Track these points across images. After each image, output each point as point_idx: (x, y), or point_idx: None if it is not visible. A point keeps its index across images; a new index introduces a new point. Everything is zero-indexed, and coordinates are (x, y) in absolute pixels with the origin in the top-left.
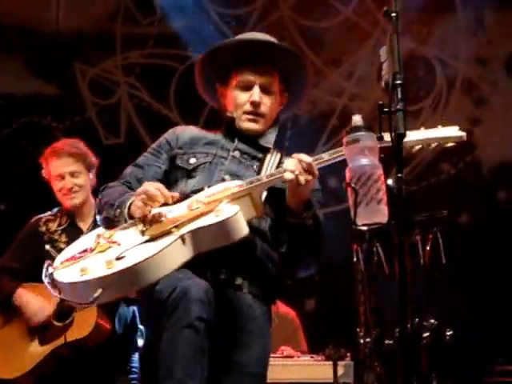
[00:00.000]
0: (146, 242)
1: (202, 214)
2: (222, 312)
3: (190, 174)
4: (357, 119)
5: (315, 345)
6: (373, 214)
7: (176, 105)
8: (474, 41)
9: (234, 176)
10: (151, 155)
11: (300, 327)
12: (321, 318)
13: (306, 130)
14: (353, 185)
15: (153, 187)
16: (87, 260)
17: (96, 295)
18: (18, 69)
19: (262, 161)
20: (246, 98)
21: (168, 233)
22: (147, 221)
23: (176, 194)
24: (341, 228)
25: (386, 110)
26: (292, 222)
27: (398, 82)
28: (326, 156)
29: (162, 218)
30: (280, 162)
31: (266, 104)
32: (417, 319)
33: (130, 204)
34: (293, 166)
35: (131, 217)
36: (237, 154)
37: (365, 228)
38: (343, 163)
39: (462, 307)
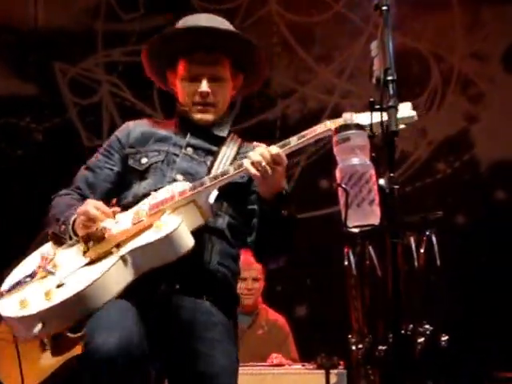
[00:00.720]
0: (87, 264)
1: (143, 229)
2: (180, 324)
3: (142, 175)
4: (347, 117)
5: (307, 352)
6: (364, 215)
7: (160, 104)
8: (470, 36)
9: (187, 175)
10: (103, 156)
11: (290, 334)
12: (312, 324)
13: (296, 129)
14: (343, 185)
15: (93, 207)
16: (28, 289)
17: (36, 330)
18: None
19: (215, 155)
20: (195, 90)
21: (109, 253)
22: (90, 240)
23: (117, 209)
24: (332, 231)
25: (377, 106)
26: (266, 209)
27: (390, 77)
28: (293, 141)
29: (105, 235)
30: (238, 153)
31: (217, 92)
32: (411, 325)
33: (74, 220)
34: (257, 157)
35: (76, 233)
36: (189, 150)
37: (356, 230)
38: (334, 163)
39: (459, 309)
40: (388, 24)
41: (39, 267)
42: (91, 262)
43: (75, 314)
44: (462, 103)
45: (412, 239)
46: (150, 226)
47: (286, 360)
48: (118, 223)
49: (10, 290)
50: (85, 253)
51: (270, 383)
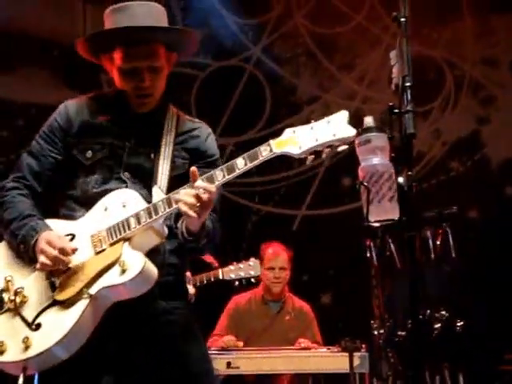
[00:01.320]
0: (58, 303)
1: (107, 266)
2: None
3: (88, 169)
4: (368, 120)
5: (331, 337)
6: (385, 210)
7: (196, 112)
8: (480, 43)
9: (134, 172)
10: (45, 143)
11: (315, 319)
12: (336, 311)
13: None
14: (365, 183)
15: (53, 251)
16: (2, 327)
17: (17, 372)
18: (45, 80)
19: (158, 144)
20: (134, 83)
21: (78, 294)
22: (53, 274)
23: (75, 247)
24: (354, 225)
25: (396, 111)
26: (190, 246)
27: (408, 84)
28: (219, 175)
29: (69, 266)
30: (177, 130)
31: (155, 83)
32: (428, 311)
33: (35, 243)
34: (191, 200)
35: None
36: (133, 142)
37: (377, 224)
38: (356, 162)
39: (473, 298)
40: (405, 34)
41: (3, 291)
42: (62, 302)
43: (52, 361)
44: (474, 106)
45: (429, 232)
46: (113, 263)
47: (312, 344)
48: (77, 250)
49: None
50: (52, 286)
51: (297, 365)
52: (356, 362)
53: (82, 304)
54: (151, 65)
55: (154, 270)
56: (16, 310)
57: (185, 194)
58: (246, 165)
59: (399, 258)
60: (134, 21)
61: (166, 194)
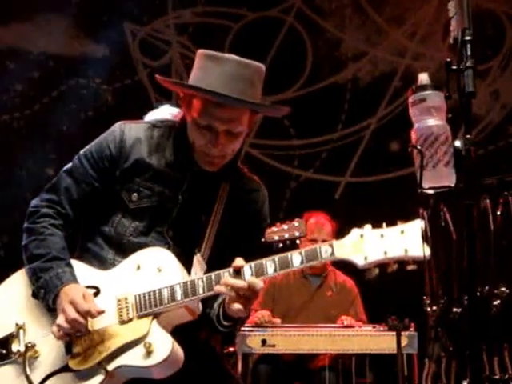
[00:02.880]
0: (70, 370)
1: (130, 343)
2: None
3: (130, 212)
4: (423, 77)
5: (377, 315)
6: (440, 176)
7: None
8: None
9: (179, 232)
10: (91, 168)
11: (358, 296)
12: (383, 286)
13: (366, 92)
14: (419, 147)
15: (74, 313)
16: (7, 379)
17: None
18: (66, 29)
19: (211, 206)
20: (207, 140)
21: (95, 367)
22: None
23: (101, 310)
24: (403, 193)
25: (454, 67)
26: (221, 329)
27: (468, 38)
28: (270, 268)
29: (89, 329)
30: (235, 192)
31: (229, 146)
32: (486, 287)
33: (57, 294)
34: (233, 293)
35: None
36: (186, 198)
37: (431, 192)
38: (406, 125)
39: None
40: None
41: (12, 337)
42: (74, 370)
43: None
44: None
45: (488, 201)
46: (138, 340)
47: (356, 322)
48: (101, 314)
49: None
50: (67, 347)
51: (340, 344)
52: (404, 341)
53: (96, 379)
54: (230, 129)
55: (180, 354)
56: (24, 366)
57: (230, 287)
58: (302, 263)
59: (455, 228)
60: (226, 83)
61: (207, 263)
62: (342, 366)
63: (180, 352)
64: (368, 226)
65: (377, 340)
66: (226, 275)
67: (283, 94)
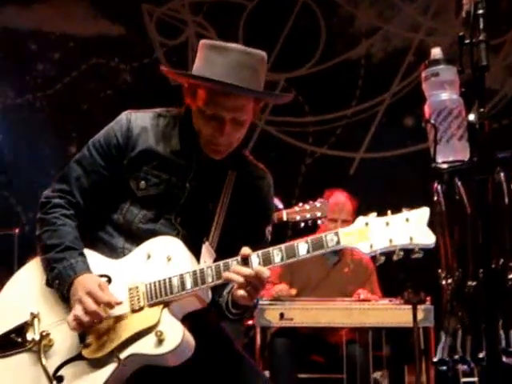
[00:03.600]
0: (84, 358)
1: (143, 331)
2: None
3: (138, 200)
4: (436, 52)
5: (393, 289)
6: (454, 150)
7: (245, 44)
8: None
9: (186, 220)
10: (99, 157)
11: (374, 272)
12: (398, 260)
13: (380, 68)
14: (432, 121)
15: (93, 305)
16: (19, 363)
17: None
18: (84, 10)
19: (218, 194)
20: (213, 129)
21: (108, 355)
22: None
23: (120, 301)
24: (417, 168)
25: (467, 41)
26: (230, 316)
27: (481, 11)
28: (277, 256)
29: (102, 320)
30: (240, 180)
31: (235, 135)
32: (502, 260)
33: (71, 283)
34: (241, 279)
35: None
36: (194, 185)
37: (445, 166)
38: (420, 100)
39: None
40: None
41: (27, 326)
42: (89, 359)
43: None
44: None
45: (502, 175)
46: (150, 329)
47: (372, 296)
48: (119, 305)
49: None
50: (81, 336)
51: (356, 318)
52: (420, 315)
53: (109, 368)
54: (236, 117)
55: (191, 342)
56: (38, 355)
57: (237, 274)
58: (308, 252)
59: (469, 202)
60: (229, 72)
61: (215, 252)
62: (359, 339)
63: (191, 339)
64: (373, 214)
65: (393, 313)
66: (233, 263)
67: (298, 71)
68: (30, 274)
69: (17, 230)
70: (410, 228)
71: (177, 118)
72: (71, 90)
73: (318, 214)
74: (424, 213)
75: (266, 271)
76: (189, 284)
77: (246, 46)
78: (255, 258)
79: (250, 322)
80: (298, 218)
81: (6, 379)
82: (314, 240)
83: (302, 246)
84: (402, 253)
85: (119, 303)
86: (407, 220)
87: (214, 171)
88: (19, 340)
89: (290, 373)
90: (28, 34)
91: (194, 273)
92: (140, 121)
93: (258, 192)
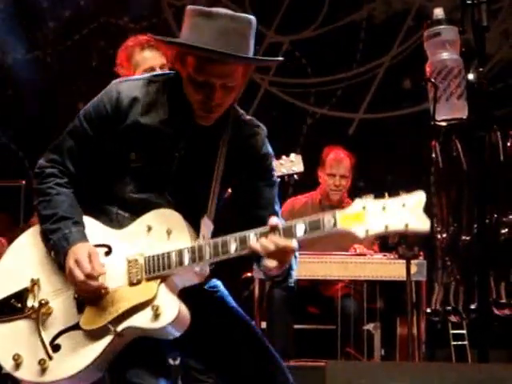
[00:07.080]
0: (81, 328)
1: (140, 305)
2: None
3: (128, 171)
4: (438, 12)
5: (387, 243)
6: (452, 109)
7: (250, 7)
8: None
9: (179, 190)
10: (90, 128)
11: None
12: None
13: (380, 31)
14: (433, 80)
15: (81, 276)
16: (18, 329)
17: None
18: None
19: (212, 161)
20: (202, 97)
21: (104, 327)
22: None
23: (103, 272)
24: (415, 129)
25: (468, 2)
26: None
27: None
28: (299, 229)
29: (101, 291)
30: (233, 141)
31: (225, 99)
32: (495, 215)
33: (66, 253)
34: (270, 246)
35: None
36: (183, 154)
37: (444, 123)
38: (419, 60)
39: None
40: None
41: (27, 292)
42: (85, 330)
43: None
44: None
45: (499, 133)
46: (146, 303)
47: (368, 250)
48: (110, 274)
49: None
50: (78, 305)
51: (352, 271)
52: (413, 269)
53: (106, 339)
54: (225, 83)
55: (187, 316)
56: (36, 322)
57: (263, 247)
58: (305, 233)
59: (466, 159)
60: (218, 38)
61: (213, 222)
62: (354, 294)
63: (187, 314)
64: (370, 197)
65: (387, 267)
66: (232, 241)
67: (302, 33)
68: (32, 241)
69: (23, 182)
70: (405, 214)
71: (166, 84)
72: (81, 48)
73: (295, 169)
74: (420, 198)
75: (293, 247)
76: (186, 260)
77: (233, 12)
78: (281, 241)
79: (249, 274)
80: None
81: (3, 345)
82: (311, 221)
83: (300, 226)
84: (396, 238)
85: (102, 273)
86: (403, 205)
87: (205, 138)
88: (19, 306)
89: (286, 323)
90: None
91: (193, 249)
92: (130, 91)
93: (253, 149)
